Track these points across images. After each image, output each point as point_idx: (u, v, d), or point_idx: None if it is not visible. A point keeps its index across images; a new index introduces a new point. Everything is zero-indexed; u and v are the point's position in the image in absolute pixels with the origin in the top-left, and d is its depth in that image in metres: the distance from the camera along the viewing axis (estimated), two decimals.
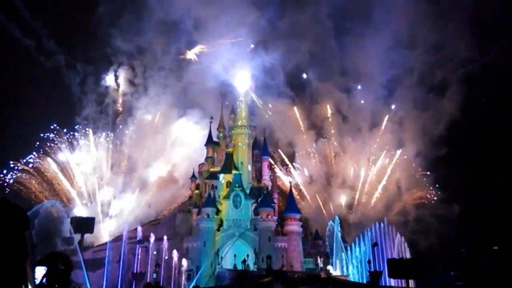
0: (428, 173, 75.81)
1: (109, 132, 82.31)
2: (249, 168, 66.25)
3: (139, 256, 55.87)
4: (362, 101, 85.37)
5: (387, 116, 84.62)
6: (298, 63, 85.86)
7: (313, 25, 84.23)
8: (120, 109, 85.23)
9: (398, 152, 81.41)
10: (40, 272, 2.77)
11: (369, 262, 45.95)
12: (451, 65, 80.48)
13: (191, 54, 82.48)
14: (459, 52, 78.78)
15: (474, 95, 75.47)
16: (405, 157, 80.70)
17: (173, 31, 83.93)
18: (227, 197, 60.06)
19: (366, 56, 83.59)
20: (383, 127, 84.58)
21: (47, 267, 2.71)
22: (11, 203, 1.96)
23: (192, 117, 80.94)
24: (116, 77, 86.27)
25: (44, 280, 2.66)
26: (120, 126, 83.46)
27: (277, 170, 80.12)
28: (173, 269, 53.31)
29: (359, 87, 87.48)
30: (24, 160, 71.03)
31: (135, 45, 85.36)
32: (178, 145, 77.88)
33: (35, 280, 2.67)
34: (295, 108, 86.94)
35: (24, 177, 70.91)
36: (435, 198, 71.47)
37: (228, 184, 62.04)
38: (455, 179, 68.20)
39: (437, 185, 72.58)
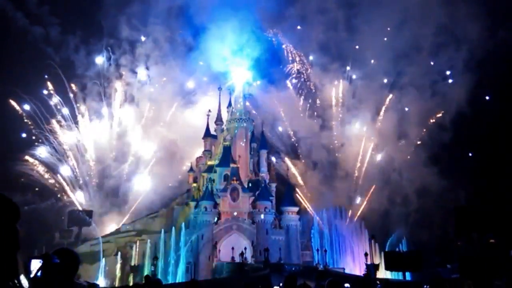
0: (432, 161, 74.15)
1: (111, 122, 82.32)
2: (247, 161, 66.30)
3: (137, 249, 56.04)
4: (366, 89, 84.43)
5: (390, 104, 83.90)
6: (304, 50, 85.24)
7: (320, 11, 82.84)
8: (122, 98, 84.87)
9: (402, 140, 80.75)
10: (35, 265, 2.74)
11: (366, 255, 46.23)
12: (459, 49, 77.98)
13: (194, 43, 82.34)
14: (467, 36, 75.52)
15: (482, 81, 73.51)
16: (408, 144, 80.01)
17: (178, 18, 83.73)
18: (224, 190, 60.16)
19: (372, 43, 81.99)
20: (385, 115, 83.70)
21: (42, 260, 2.68)
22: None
23: (192, 108, 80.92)
24: (119, 66, 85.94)
25: (38, 274, 2.64)
26: (122, 115, 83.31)
27: (277, 161, 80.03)
28: (171, 262, 53.53)
29: (362, 74, 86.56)
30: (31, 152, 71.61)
31: (140, 33, 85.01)
32: (179, 135, 77.88)
33: (30, 273, 2.65)
34: (299, 97, 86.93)
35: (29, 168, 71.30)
36: (438, 188, 70.11)
37: (226, 177, 62.12)
38: (459, 168, 67.19)
39: (440, 175, 70.86)
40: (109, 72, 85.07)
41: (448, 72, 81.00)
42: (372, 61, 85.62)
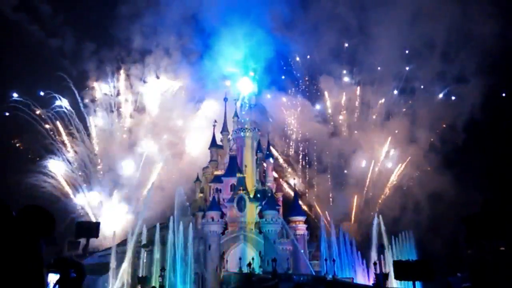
0: (445, 166, 72.44)
1: (122, 131, 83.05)
2: (253, 171, 66.25)
3: (144, 260, 55.90)
4: (376, 94, 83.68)
5: (401, 108, 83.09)
6: (314, 56, 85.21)
7: (331, 17, 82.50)
8: (133, 108, 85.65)
9: (413, 145, 79.69)
10: (51, 278, 2.79)
11: (375, 264, 45.75)
12: (472, 51, 75.90)
13: (203, 51, 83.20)
14: (480, 38, 73.62)
15: (496, 83, 71.18)
16: (419, 149, 78.90)
17: (189, 27, 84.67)
18: (231, 200, 60.06)
19: (383, 46, 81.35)
20: (397, 119, 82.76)
21: (60, 275, 2.74)
22: (39, 209, 1.98)
23: (200, 117, 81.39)
24: (129, 76, 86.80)
25: (56, 287, 2.69)
26: (133, 124, 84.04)
27: (285, 169, 79.86)
28: (179, 273, 53.28)
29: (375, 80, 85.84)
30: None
31: (151, 43, 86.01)
32: (188, 144, 78.33)
33: (48, 286, 2.70)
34: (310, 103, 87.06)
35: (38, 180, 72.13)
36: (451, 194, 68.39)
37: (232, 187, 62.07)
38: (473, 173, 65.66)
39: (453, 180, 69.04)
40: (120, 82, 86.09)
41: (460, 75, 79.51)
42: (381, 66, 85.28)
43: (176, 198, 57.48)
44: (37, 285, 1.90)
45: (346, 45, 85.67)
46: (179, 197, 74.28)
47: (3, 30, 70.55)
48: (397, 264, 28.26)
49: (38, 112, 75.78)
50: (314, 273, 54.55)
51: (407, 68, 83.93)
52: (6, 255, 1.77)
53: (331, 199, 79.38)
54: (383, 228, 58.80)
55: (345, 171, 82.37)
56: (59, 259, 2.99)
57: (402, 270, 25.78)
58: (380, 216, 60.57)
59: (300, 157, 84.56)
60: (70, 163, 77.01)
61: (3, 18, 71.36)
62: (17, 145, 74.28)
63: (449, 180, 68.62)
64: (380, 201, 76.26)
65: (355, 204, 77.39)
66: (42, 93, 76.71)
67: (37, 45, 75.96)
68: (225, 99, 73.26)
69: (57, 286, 2.70)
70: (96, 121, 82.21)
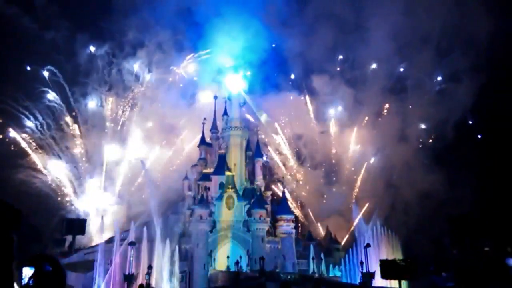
0: (435, 166, 72.43)
1: (113, 126, 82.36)
2: (242, 169, 66.19)
3: (131, 258, 55.46)
4: (367, 92, 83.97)
5: (392, 107, 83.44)
6: (307, 55, 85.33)
7: (325, 16, 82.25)
8: (125, 103, 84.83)
9: (403, 144, 80.00)
10: (27, 272, 2.72)
11: (361, 263, 46.10)
12: (465, 50, 76.16)
13: (197, 46, 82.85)
14: (474, 37, 73.73)
15: (488, 82, 70.66)
16: (409, 148, 79.24)
17: (183, 22, 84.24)
18: (220, 198, 59.94)
19: (374, 44, 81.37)
20: (387, 118, 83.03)
21: (34, 268, 2.67)
22: (2, 202, 1.91)
23: (191, 115, 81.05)
24: (121, 71, 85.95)
25: (30, 281, 2.62)
26: (124, 120, 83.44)
27: (275, 167, 79.98)
28: (166, 271, 53.04)
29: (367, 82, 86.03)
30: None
31: (144, 37, 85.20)
32: (175, 143, 77.99)
33: (22, 280, 2.64)
34: (302, 101, 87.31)
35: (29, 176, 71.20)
36: (439, 193, 68.38)
37: (221, 185, 61.93)
38: (463, 173, 65.84)
39: (443, 179, 69.08)
40: (111, 76, 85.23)
41: (453, 72, 79.68)
42: (373, 64, 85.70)
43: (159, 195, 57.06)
44: (5, 277, 1.83)
45: (340, 42, 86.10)
46: (168, 194, 74.21)
47: None
48: (383, 263, 28.63)
49: (27, 106, 74.70)
50: (301, 272, 54.80)
51: (400, 66, 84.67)
52: None
53: (323, 197, 79.67)
54: (370, 226, 59.09)
55: (336, 169, 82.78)
56: (34, 255, 2.93)
57: (388, 269, 26.10)
58: (373, 215, 61.05)
59: (292, 155, 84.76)
60: (60, 158, 76.14)
61: None
62: (6, 140, 73.03)
63: (439, 178, 69.04)
64: (369, 199, 76.53)
65: (345, 202, 77.80)
66: (32, 87, 75.70)
67: (30, 38, 74.67)
68: (215, 97, 72.93)
69: (31, 280, 2.64)
70: (87, 115, 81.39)
